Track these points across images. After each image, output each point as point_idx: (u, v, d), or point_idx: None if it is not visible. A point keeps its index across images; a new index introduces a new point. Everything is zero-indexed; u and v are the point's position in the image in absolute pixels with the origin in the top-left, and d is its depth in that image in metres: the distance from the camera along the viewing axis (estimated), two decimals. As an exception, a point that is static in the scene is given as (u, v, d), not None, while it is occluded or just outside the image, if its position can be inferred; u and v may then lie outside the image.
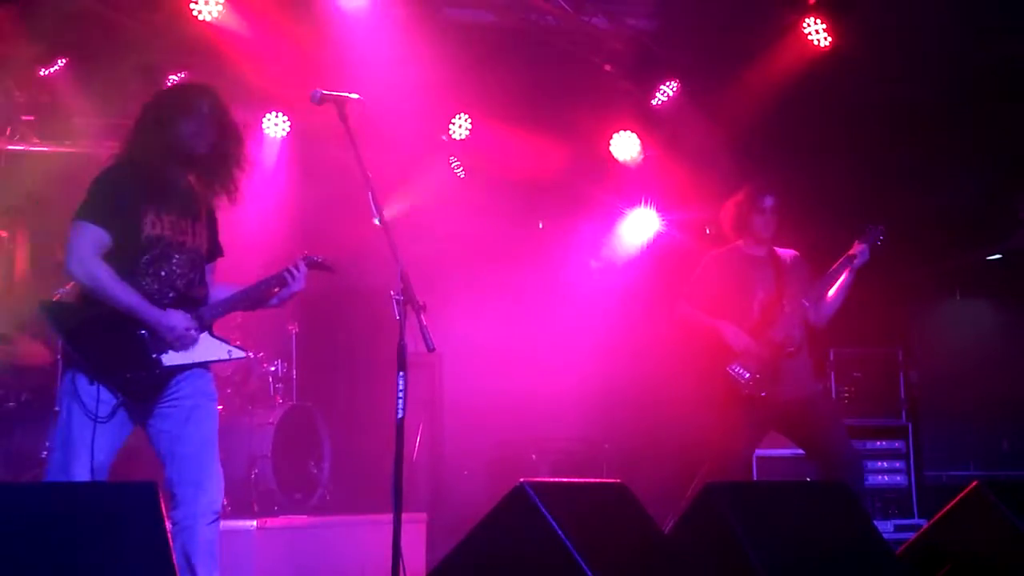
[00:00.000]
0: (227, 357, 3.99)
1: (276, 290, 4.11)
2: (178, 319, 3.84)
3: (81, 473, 3.66)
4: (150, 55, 7.04)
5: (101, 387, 3.71)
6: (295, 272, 4.08)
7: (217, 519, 3.86)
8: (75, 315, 3.80)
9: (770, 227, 5.50)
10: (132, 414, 3.83)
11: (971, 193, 7.63)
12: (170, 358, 3.83)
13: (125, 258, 3.79)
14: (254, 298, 4.11)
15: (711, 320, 5.39)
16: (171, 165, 3.93)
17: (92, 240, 3.76)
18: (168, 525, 3.69)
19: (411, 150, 7.78)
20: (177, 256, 3.90)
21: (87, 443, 3.67)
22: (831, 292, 5.38)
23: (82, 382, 3.72)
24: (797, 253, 5.64)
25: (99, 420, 3.68)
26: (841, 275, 5.35)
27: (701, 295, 5.50)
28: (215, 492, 3.86)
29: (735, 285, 5.47)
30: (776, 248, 5.61)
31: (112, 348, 3.74)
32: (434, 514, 7.07)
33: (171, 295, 3.87)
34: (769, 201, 5.50)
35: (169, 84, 4.08)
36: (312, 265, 4.16)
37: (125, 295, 3.76)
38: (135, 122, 3.97)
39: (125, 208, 3.80)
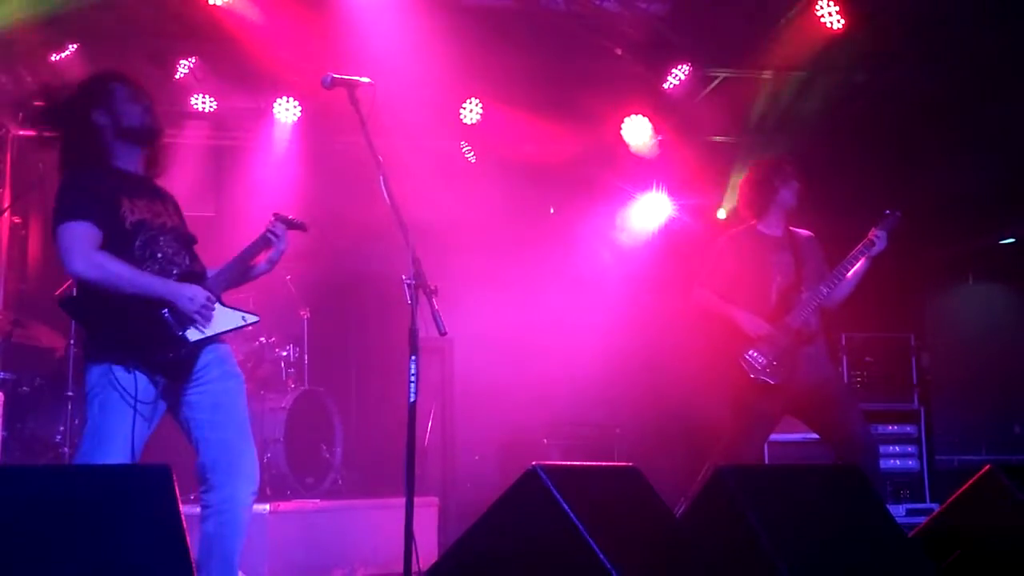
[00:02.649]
0: (243, 323, 3.98)
1: (263, 255, 4.12)
2: (195, 289, 3.83)
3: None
4: (161, 40, 7.05)
5: (138, 373, 3.69)
6: (276, 232, 4.10)
7: (253, 500, 3.88)
8: (95, 306, 3.77)
9: (795, 196, 5.48)
10: (168, 400, 3.83)
11: (984, 177, 7.59)
12: (194, 333, 3.81)
13: (117, 248, 3.76)
14: (246, 265, 4.11)
15: (726, 306, 5.35)
16: (122, 153, 3.92)
17: (85, 236, 3.72)
18: (194, 507, 3.73)
19: (422, 134, 7.77)
20: (163, 237, 3.88)
21: (125, 434, 3.64)
22: (847, 276, 5.35)
23: (119, 372, 3.67)
24: (812, 234, 5.60)
25: (141, 409, 3.66)
26: (859, 261, 5.31)
27: (718, 279, 5.46)
28: (251, 475, 3.85)
29: (752, 268, 5.42)
30: (792, 228, 5.57)
31: (139, 334, 3.72)
32: (446, 498, 7.11)
33: (175, 272, 3.85)
34: (790, 168, 5.49)
35: (75, 85, 4.07)
36: (287, 225, 4.18)
37: (138, 276, 3.74)
38: (65, 133, 3.95)
39: (101, 201, 3.77)
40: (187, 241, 4.01)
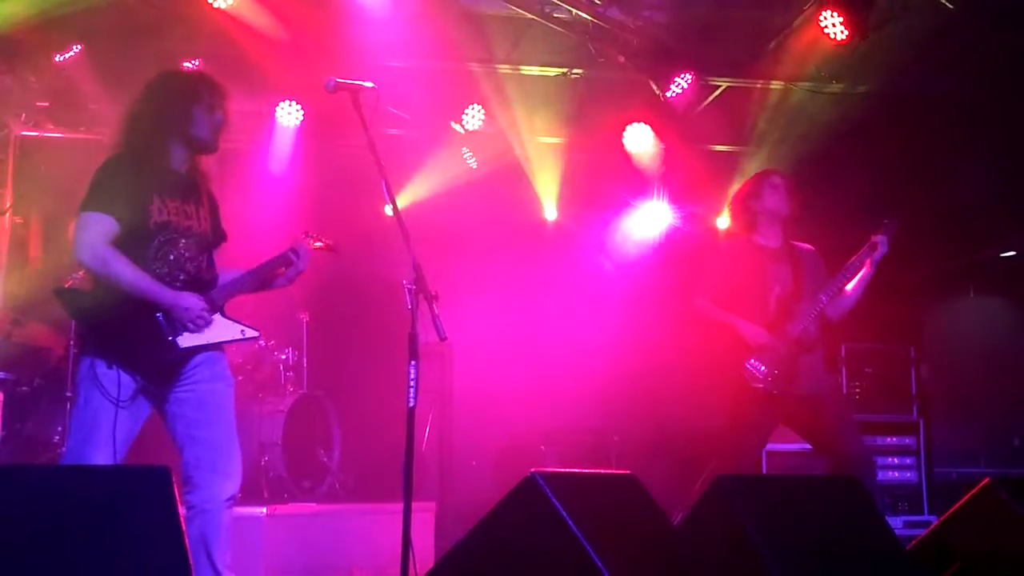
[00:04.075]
0: (241, 337, 4.01)
1: (282, 270, 4.13)
2: (192, 300, 3.86)
3: (101, 459, 3.68)
4: (165, 42, 7.06)
5: (120, 371, 3.73)
6: (299, 251, 4.11)
7: (233, 502, 3.89)
8: (90, 301, 3.82)
9: (785, 204, 5.43)
10: (149, 399, 3.86)
11: (986, 189, 7.59)
12: (186, 340, 3.85)
13: (134, 245, 3.81)
14: (261, 279, 4.12)
15: (726, 315, 5.34)
16: (175, 152, 3.96)
17: (101, 228, 3.77)
18: (183, 509, 3.74)
19: (424, 139, 7.77)
20: (184, 240, 3.92)
21: (108, 429, 3.69)
22: (851, 285, 5.33)
23: (101, 367, 3.73)
24: (813, 249, 5.59)
25: (120, 404, 3.70)
26: (862, 268, 5.29)
27: (717, 288, 5.45)
28: (234, 476, 3.88)
29: (750, 278, 5.41)
30: (792, 242, 5.55)
31: (129, 332, 3.77)
32: (443, 503, 7.09)
33: (181, 277, 3.89)
34: (777, 178, 5.47)
35: (165, 72, 4.12)
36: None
37: (138, 279, 3.78)
38: (135, 111, 3.98)
39: (131, 196, 3.82)
40: (208, 247, 4.04)
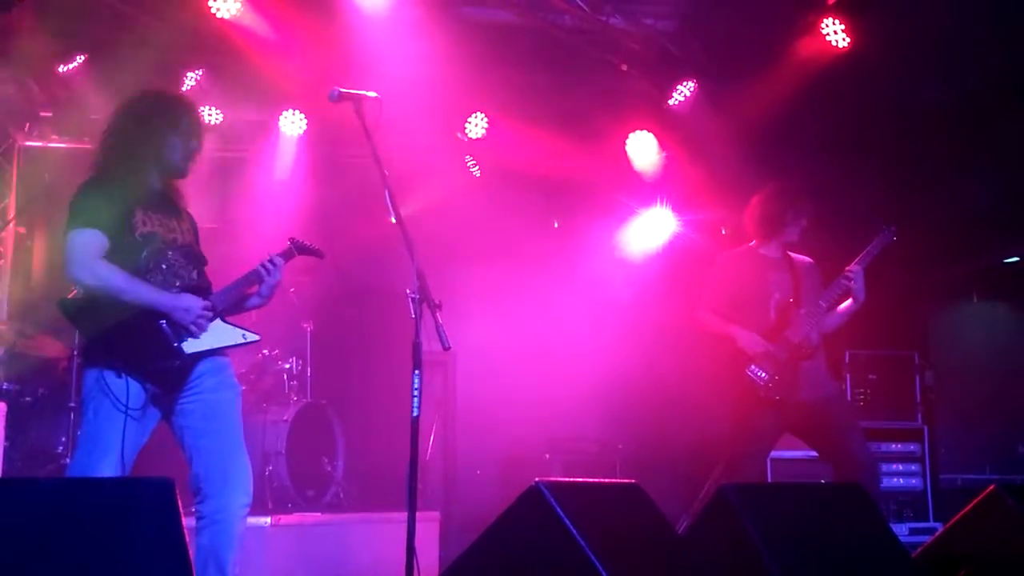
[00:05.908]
0: (242, 340, 4.02)
1: (254, 288, 4.13)
2: (192, 301, 3.88)
3: (109, 470, 3.67)
4: (168, 52, 7.07)
5: (130, 380, 3.73)
6: (268, 267, 4.12)
7: (247, 512, 3.88)
8: (94, 312, 3.82)
9: (798, 239, 5.51)
10: (159, 409, 3.86)
11: (989, 195, 7.58)
12: (191, 345, 3.86)
13: (125, 258, 3.81)
14: (243, 292, 4.13)
15: (725, 325, 5.37)
16: (152, 172, 3.99)
17: (91, 244, 3.78)
18: (192, 520, 3.74)
19: (428, 149, 7.78)
20: (171, 252, 3.93)
21: (117, 440, 3.69)
22: (841, 307, 5.38)
23: (111, 377, 3.73)
24: (811, 261, 5.61)
25: (131, 414, 3.70)
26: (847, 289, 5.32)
27: (719, 297, 5.47)
28: (244, 485, 3.87)
29: (751, 287, 5.44)
30: (790, 253, 5.57)
31: (134, 341, 3.77)
32: (447, 512, 7.08)
33: (177, 284, 3.91)
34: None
35: (145, 93, 4.13)
36: (301, 250, 4.26)
37: (135, 287, 3.79)
38: (114, 129, 4.00)
39: (114, 210, 3.83)
40: (196, 259, 4.05)
